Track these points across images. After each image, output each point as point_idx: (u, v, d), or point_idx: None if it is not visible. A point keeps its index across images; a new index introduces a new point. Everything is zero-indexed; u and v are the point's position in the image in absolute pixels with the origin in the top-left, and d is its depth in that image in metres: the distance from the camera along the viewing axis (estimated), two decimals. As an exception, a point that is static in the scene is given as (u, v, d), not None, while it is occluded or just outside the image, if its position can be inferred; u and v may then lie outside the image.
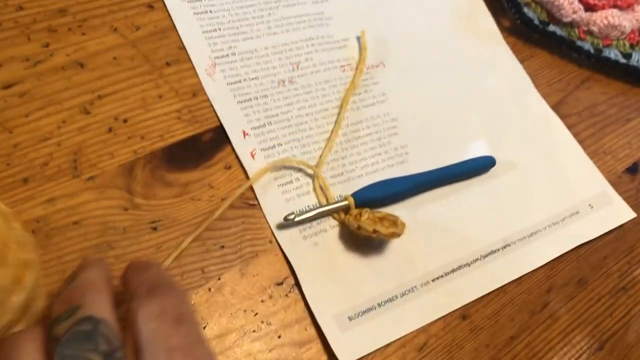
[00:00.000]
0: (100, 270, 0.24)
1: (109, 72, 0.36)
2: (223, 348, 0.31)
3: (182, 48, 0.39)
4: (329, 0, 0.45)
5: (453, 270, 0.36)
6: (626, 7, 0.49)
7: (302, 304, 0.33)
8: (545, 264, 0.38)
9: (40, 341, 0.20)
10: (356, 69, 0.42)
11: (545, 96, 0.46)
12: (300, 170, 0.37)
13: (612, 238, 0.41)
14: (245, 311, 0.32)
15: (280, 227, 0.35)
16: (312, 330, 0.33)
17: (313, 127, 0.39)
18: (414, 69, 0.44)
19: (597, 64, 0.49)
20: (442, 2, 0.49)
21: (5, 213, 0.27)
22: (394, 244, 0.36)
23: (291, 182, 0.36)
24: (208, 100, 0.37)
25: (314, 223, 0.35)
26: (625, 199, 0.43)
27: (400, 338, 0.34)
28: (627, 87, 0.49)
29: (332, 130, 0.39)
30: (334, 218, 0.36)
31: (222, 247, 0.33)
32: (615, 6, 0.49)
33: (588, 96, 0.48)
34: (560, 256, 0.39)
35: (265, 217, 0.35)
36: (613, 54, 0.48)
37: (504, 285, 0.37)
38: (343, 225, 0.36)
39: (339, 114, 0.40)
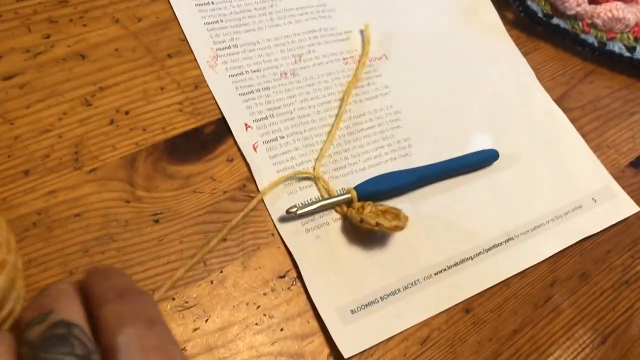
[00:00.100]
0: (70, 285, 0.24)
1: (110, 63, 0.36)
2: (225, 341, 0.31)
3: (184, 40, 0.38)
4: (331, -8, 0.45)
5: (456, 264, 0.36)
6: (630, 0, 0.49)
7: (304, 297, 0.33)
8: (549, 257, 0.38)
9: (10, 345, 0.20)
10: (359, 61, 0.42)
11: (548, 89, 0.46)
12: (302, 163, 0.37)
13: (616, 232, 0.41)
14: (247, 304, 0.32)
15: (283, 220, 0.34)
16: (314, 324, 0.32)
17: (315, 120, 0.39)
18: (417, 62, 0.44)
19: (600, 57, 0.48)
20: (445, -5, 0.48)
21: None
22: (397, 237, 0.36)
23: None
24: (210, 92, 0.37)
25: (317, 216, 0.35)
26: (628, 192, 0.43)
27: (402, 331, 0.33)
28: (630, 80, 0.49)
29: (334, 123, 0.39)
30: (337, 211, 0.36)
31: (225, 239, 0.33)
32: (619, -1, 0.48)
33: (592, 90, 0.48)
34: (564, 250, 0.39)
35: (267, 209, 0.35)
36: (617, 47, 0.48)
37: (507, 279, 0.37)
38: (345, 219, 0.35)
39: (341, 106, 0.39)
